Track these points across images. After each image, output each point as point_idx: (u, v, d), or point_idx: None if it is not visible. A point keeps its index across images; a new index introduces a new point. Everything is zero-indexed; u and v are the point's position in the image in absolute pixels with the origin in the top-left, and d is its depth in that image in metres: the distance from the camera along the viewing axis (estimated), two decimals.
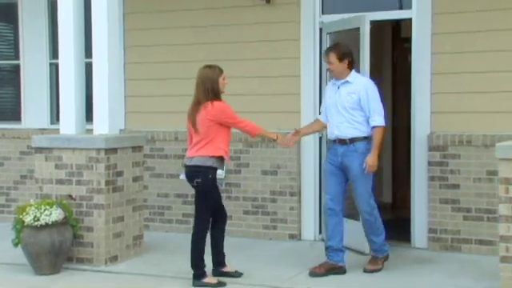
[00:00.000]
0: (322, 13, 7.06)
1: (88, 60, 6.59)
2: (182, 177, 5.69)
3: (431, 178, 6.59)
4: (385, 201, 8.45)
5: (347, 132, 5.69)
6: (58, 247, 5.93)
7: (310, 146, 7.10)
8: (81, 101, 6.53)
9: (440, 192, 6.56)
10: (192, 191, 7.40)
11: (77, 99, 6.48)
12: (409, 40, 6.85)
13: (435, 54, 6.57)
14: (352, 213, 6.29)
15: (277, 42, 7.17)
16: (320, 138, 7.00)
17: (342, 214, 5.85)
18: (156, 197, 7.74)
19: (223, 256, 5.78)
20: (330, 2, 7.07)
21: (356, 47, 6.36)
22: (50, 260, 5.95)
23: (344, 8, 6.96)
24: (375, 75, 6.77)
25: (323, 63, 6.55)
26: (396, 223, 7.08)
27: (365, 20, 6.39)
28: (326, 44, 6.71)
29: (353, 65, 5.79)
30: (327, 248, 5.86)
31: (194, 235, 5.58)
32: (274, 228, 7.24)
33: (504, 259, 4.95)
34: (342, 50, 5.77)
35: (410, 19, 6.70)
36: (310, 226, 7.15)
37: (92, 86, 6.43)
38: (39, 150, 6.36)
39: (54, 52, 7.98)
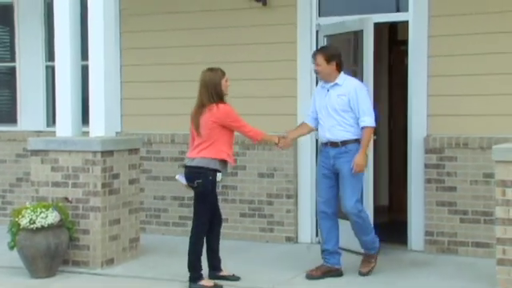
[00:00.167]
0: (319, 15, 7.07)
1: (84, 62, 6.58)
2: (179, 178, 5.65)
3: (428, 181, 6.59)
4: (381, 203, 8.44)
5: (339, 135, 5.69)
6: (53, 250, 5.92)
7: (306, 149, 7.10)
8: (77, 103, 6.53)
9: (437, 194, 6.56)
10: (188, 194, 7.42)
11: (73, 101, 6.48)
12: (405, 42, 6.85)
13: (432, 56, 6.58)
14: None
15: (273, 45, 7.17)
16: (317, 141, 6.99)
17: (336, 217, 5.84)
18: (152, 199, 7.73)
19: (219, 260, 5.77)
20: (327, 4, 7.08)
21: (353, 50, 6.38)
22: (46, 263, 5.93)
23: (341, 11, 6.98)
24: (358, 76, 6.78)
25: None
26: (392, 226, 7.09)
27: (369, 22, 6.40)
28: None
29: (341, 67, 5.77)
30: (323, 251, 5.86)
31: (191, 237, 5.57)
32: (271, 231, 7.24)
33: (501, 262, 4.96)
34: (329, 52, 5.78)
35: (407, 22, 6.71)
36: (306, 229, 7.15)
37: (88, 89, 6.43)
38: (35, 152, 6.35)
39: (50, 54, 7.97)
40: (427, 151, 6.59)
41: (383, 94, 8.63)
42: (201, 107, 5.51)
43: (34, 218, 5.86)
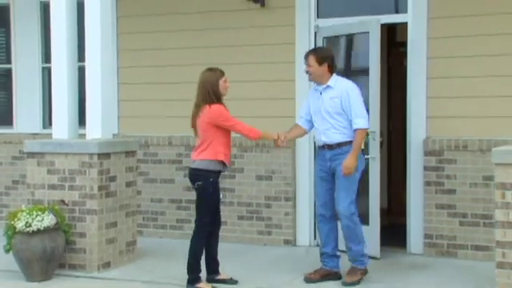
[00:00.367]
0: (318, 16, 7.08)
1: (81, 64, 6.58)
2: None
3: (427, 183, 6.60)
4: (380, 206, 8.43)
5: (333, 137, 5.67)
6: (49, 253, 5.91)
7: (304, 151, 7.11)
8: (73, 105, 6.53)
9: (436, 197, 6.57)
10: (186, 196, 7.45)
11: (69, 103, 6.48)
12: (404, 44, 6.86)
13: (431, 58, 6.59)
14: (360, 218, 6.33)
15: (272, 46, 7.18)
16: (315, 143, 6.99)
17: (334, 220, 5.82)
18: (150, 202, 7.73)
19: (217, 264, 5.77)
20: (326, 5, 7.08)
21: (351, 52, 6.38)
22: (42, 266, 5.92)
23: (339, 12, 6.99)
24: (365, 79, 6.79)
25: None
26: (391, 229, 7.09)
27: (375, 24, 6.42)
28: None
29: (333, 69, 5.75)
30: (322, 254, 5.86)
31: (193, 238, 5.58)
32: (269, 233, 7.24)
33: (500, 265, 4.96)
34: (321, 54, 5.76)
35: (406, 23, 6.72)
36: (305, 232, 7.15)
37: (85, 90, 6.42)
38: (31, 154, 6.34)
39: (47, 56, 7.98)
40: (426, 153, 6.59)
41: (382, 95, 8.61)
42: (197, 108, 5.53)
43: (29, 221, 5.86)
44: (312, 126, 5.92)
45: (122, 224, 6.43)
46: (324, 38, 6.89)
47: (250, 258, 6.66)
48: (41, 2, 8.27)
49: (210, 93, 5.47)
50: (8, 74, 8.55)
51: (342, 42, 7.00)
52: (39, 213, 5.92)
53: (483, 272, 5.89)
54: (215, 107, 5.45)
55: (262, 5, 7.16)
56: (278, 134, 5.79)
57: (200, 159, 5.52)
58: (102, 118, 6.36)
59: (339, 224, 5.81)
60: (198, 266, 5.56)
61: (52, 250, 5.92)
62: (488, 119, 6.39)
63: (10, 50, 8.49)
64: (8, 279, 6.06)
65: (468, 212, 6.44)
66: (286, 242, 7.17)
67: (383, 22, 6.74)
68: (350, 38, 6.92)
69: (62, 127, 6.46)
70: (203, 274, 5.68)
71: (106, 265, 6.23)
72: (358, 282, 5.67)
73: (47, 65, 7.86)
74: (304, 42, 7.04)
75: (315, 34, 7.02)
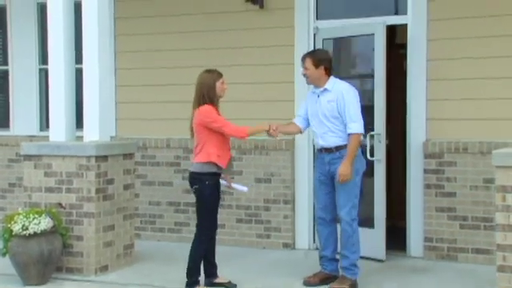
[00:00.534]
0: (317, 18, 7.08)
1: (78, 66, 6.58)
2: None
3: (427, 186, 6.60)
4: None
5: (331, 141, 5.65)
6: (46, 257, 5.90)
7: (303, 154, 7.11)
8: (71, 107, 6.52)
9: (436, 200, 6.57)
10: (184, 199, 7.45)
11: (67, 105, 6.47)
12: (404, 46, 6.87)
13: (431, 60, 6.60)
14: (366, 220, 6.32)
15: (270, 48, 7.18)
16: (314, 146, 6.99)
17: (334, 224, 5.82)
18: (147, 205, 7.72)
19: (215, 267, 5.76)
20: (325, 7, 7.09)
21: (352, 54, 6.39)
22: (39, 270, 5.92)
23: (339, 14, 7.00)
24: (370, 81, 6.80)
25: None
26: (391, 232, 7.08)
27: (380, 26, 6.44)
28: None
29: (331, 71, 5.72)
30: (321, 257, 5.86)
31: (194, 242, 5.58)
32: (268, 237, 7.24)
33: (501, 268, 4.96)
34: (318, 56, 5.74)
35: (406, 25, 6.73)
36: (304, 235, 7.15)
37: (82, 92, 6.43)
38: (28, 157, 6.34)
39: (44, 57, 7.98)
40: (426, 156, 6.59)
41: None
42: (194, 109, 5.54)
43: (26, 224, 5.85)
44: (307, 125, 5.90)
45: (120, 227, 6.42)
46: (324, 39, 6.89)
47: (249, 262, 6.66)
48: (38, 3, 8.27)
49: (205, 95, 5.48)
50: (5, 75, 8.55)
51: (343, 44, 7.00)
52: (36, 216, 5.92)
53: (484, 276, 5.90)
54: (203, 108, 5.46)
55: (261, 6, 7.17)
56: (270, 124, 5.71)
57: (195, 162, 5.55)
58: (99, 120, 6.36)
59: (339, 227, 5.81)
60: (198, 270, 5.56)
61: (49, 254, 5.92)
62: (488, 121, 6.39)
63: (6, 52, 8.49)
64: (4, 283, 6.05)
65: (468, 215, 6.45)
66: (285, 246, 7.17)
67: (374, 23, 6.74)
68: (351, 40, 6.93)
69: (59, 129, 6.46)
70: (201, 277, 5.67)
71: (104, 268, 6.23)
72: None
73: (44, 66, 7.86)
74: (303, 44, 7.04)
75: (314, 35, 7.03)
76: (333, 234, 5.82)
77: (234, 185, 5.85)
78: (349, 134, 5.58)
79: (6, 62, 8.51)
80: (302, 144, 7.09)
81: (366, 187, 6.58)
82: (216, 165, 5.50)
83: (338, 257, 5.85)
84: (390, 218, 8.42)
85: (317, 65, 5.66)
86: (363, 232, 6.23)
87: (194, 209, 5.68)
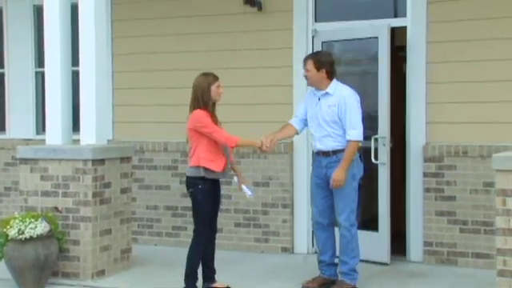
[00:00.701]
0: (315, 20, 7.09)
1: (75, 68, 6.58)
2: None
3: (427, 190, 6.60)
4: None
5: (329, 145, 5.64)
6: (43, 261, 5.90)
7: (302, 157, 7.11)
8: (67, 110, 6.52)
9: (436, 204, 6.57)
10: (182, 203, 7.45)
11: (63, 109, 6.47)
12: (403, 48, 6.87)
13: (430, 63, 6.61)
14: (370, 224, 6.32)
15: (269, 51, 7.19)
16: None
17: (332, 228, 5.81)
18: (145, 209, 7.72)
19: (213, 271, 5.75)
20: (324, 9, 7.10)
21: (353, 57, 6.38)
22: (35, 275, 5.91)
23: (338, 16, 7.01)
24: (367, 84, 6.81)
25: None
26: (391, 236, 7.07)
27: (384, 28, 6.45)
28: None
29: (333, 75, 5.69)
30: (320, 262, 5.85)
31: (190, 246, 5.58)
32: (266, 241, 7.23)
33: (501, 273, 4.96)
34: (320, 59, 5.71)
35: (405, 27, 6.73)
36: (302, 239, 7.15)
37: (79, 95, 6.42)
38: (24, 161, 6.33)
39: (40, 60, 7.98)
40: (426, 160, 6.60)
41: None
42: (189, 113, 5.54)
43: (22, 228, 5.84)
44: (304, 126, 5.88)
45: (117, 231, 6.42)
46: (323, 42, 6.89)
47: (247, 266, 6.65)
48: (34, 6, 8.28)
49: (199, 98, 5.48)
50: (1, 78, 8.55)
51: (343, 47, 7.01)
52: (32, 220, 5.91)
53: (484, 280, 5.89)
54: (195, 112, 5.46)
55: (259, 9, 7.17)
56: (262, 141, 5.61)
57: (189, 166, 5.57)
58: (96, 124, 6.35)
59: (337, 232, 5.80)
60: (195, 274, 5.55)
61: (45, 258, 5.91)
62: (488, 125, 6.40)
63: (2, 55, 8.49)
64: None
65: (468, 219, 6.45)
66: (284, 250, 7.17)
67: (377, 25, 6.74)
68: (352, 43, 6.94)
69: (56, 133, 6.45)
70: (199, 281, 5.67)
71: (101, 273, 6.22)
72: None
73: (40, 69, 7.86)
74: (302, 47, 7.05)
75: (313, 38, 7.03)
76: (331, 239, 5.81)
77: (243, 186, 5.80)
78: (347, 141, 5.57)
79: (2, 65, 8.52)
80: (300, 147, 7.09)
81: (370, 190, 6.61)
82: (206, 169, 5.48)
83: (336, 261, 5.85)
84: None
85: (318, 67, 5.64)
86: (367, 235, 6.26)
87: (192, 213, 5.67)
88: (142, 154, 7.67)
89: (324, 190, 5.74)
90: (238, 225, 7.33)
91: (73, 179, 6.14)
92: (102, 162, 6.21)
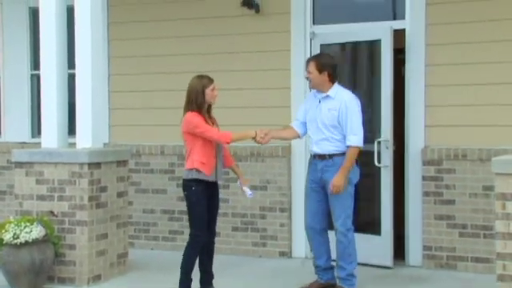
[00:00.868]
0: (313, 23, 7.10)
1: (71, 71, 6.58)
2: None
3: (426, 194, 6.61)
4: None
5: (326, 149, 5.65)
6: (38, 266, 5.89)
7: (300, 160, 7.11)
8: (63, 113, 6.52)
9: (435, 208, 6.57)
10: (179, 207, 7.44)
11: (59, 112, 6.47)
12: (402, 51, 6.88)
13: (429, 65, 6.61)
14: (372, 227, 6.32)
15: (266, 53, 7.19)
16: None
17: (325, 232, 5.80)
18: (141, 213, 7.71)
19: (211, 276, 5.75)
20: (322, 12, 7.11)
21: (353, 60, 6.38)
22: (30, 279, 5.90)
23: (336, 18, 7.01)
24: (368, 87, 6.81)
25: None
26: None
27: (387, 30, 6.46)
28: None
29: (335, 78, 5.70)
30: (316, 267, 5.85)
31: (185, 250, 5.58)
32: (264, 245, 7.23)
33: (501, 277, 4.95)
34: (322, 61, 5.71)
35: (404, 30, 6.74)
36: (301, 243, 7.14)
37: (75, 98, 6.42)
38: (19, 164, 6.33)
39: (36, 63, 7.97)
40: (425, 163, 6.60)
41: None
42: (182, 116, 5.55)
43: (17, 232, 5.84)
44: (306, 130, 5.87)
45: (113, 235, 6.41)
46: (321, 45, 6.90)
47: (245, 271, 6.65)
48: (29, 8, 8.28)
49: (193, 101, 5.49)
50: None
51: (343, 50, 7.02)
52: (27, 224, 5.90)
53: (484, 285, 5.89)
54: (187, 115, 5.49)
55: (257, 11, 7.18)
56: (256, 132, 5.62)
57: (184, 169, 5.59)
58: (92, 127, 6.35)
59: (331, 235, 5.79)
60: (189, 278, 5.54)
61: (40, 263, 5.90)
62: (488, 128, 6.40)
63: None
64: None
65: (468, 223, 6.45)
66: (282, 254, 7.17)
67: (380, 28, 6.76)
68: (353, 46, 6.95)
69: (52, 136, 6.45)
70: (197, 286, 5.66)
71: (97, 278, 6.21)
72: None
73: (36, 72, 7.85)
74: (300, 49, 7.06)
75: (311, 40, 7.04)
76: (325, 243, 5.80)
77: (244, 187, 5.80)
78: (348, 146, 5.57)
79: None
80: (298, 150, 7.09)
81: (373, 194, 6.62)
82: (199, 171, 5.48)
83: (333, 264, 5.83)
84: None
85: (320, 69, 5.64)
86: (370, 239, 6.25)
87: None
88: (139, 158, 7.66)
89: (318, 194, 5.74)
90: (235, 229, 7.32)
91: (69, 183, 6.13)
92: (98, 165, 6.21)
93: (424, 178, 6.61)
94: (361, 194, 6.68)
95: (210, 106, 5.60)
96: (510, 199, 4.90)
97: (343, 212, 5.61)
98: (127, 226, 6.71)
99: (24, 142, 8.14)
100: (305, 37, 7.08)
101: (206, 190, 5.53)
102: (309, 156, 6.94)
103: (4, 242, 5.87)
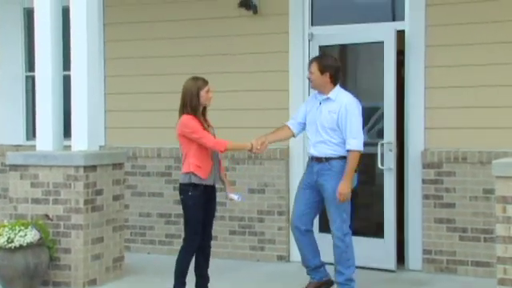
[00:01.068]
0: (312, 24, 7.11)
1: (66, 73, 6.57)
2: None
3: (425, 197, 6.61)
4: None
5: (323, 152, 5.64)
6: (32, 270, 5.88)
7: (299, 163, 7.10)
8: (58, 116, 6.51)
9: (435, 211, 6.58)
10: (175, 210, 7.43)
11: (54, 114, 6.46)
12: (401, 52, 6.89)
13: (429, 67, 6.62)
14: (375, 231, 6.34)
15: (264, 55, 7.20)
16: None
17: (310, 234, 5.78)
18: (137, 216, 7.70)
19: (207, 280, 5.74)
20: (320, 13, 7.11)
21: (354, 62, 6.38)
22: (25, 284, 5.89)
23: (335, 20, 7.02)
24: (368, 88, 6.82)
25: None
26: None
27: (390, 32, 6.48)
28: None
29: (336, 80, 5.70)
30: (306, 268, 5.87)
31: (179, 253, 5.58)
32: (262, 249, 7.23)
33: (502, 282, 4.96)
34: (324, 62, 5.71)
35: (403, 31, 6.75)
36: None
37: (70, 100, 6.42)
38: (14, 167, 6.32)
39: (30, 64, 7.97)
40: (425, 166, 6.61)
41: None
42: (178, 119, 5.54)
43: (12, 236, 5.83)
44: (302, 129, 5.88)
45: (109, 239, 6.40)
46: (320, 46, 6.90)
47: (243, 275, 6.65)
48: (24, 9, 8.27)
49: (187, 104, 5.48)
50: None
51: (343, 51, 7.02)
52: (22, 228, 5.90)
53: None
54: (182, 118, 5.47)
55: (255, 12, 7.18)
56: (252, 143, 5.63)
57: (181, 173, 5.58)
58: (88, 129, 6.35)
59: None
60: (182, 282, 5.53)
61: (35, 267, 5.89)
62: (488, 130, 6.41)
63: None
64: None
65: (468, 226, 6.46)
66: (280, 258, 7.16)
67: (383, 29, 6.77)
68: (352, 47, 6.95)
69: (47, 138, 6.44)
70: None
71: (92, 282, 6.20)
72: None
73: (31, 73, 7.85)
74: (298, 51, 7.07)
75: (309, 42, 7.05)
76: (310, 244, 5.79)
77: (230, 195, 5.77)
78: (348, 150, 5.56)
79: None
80: (297, 153, 7.09)
81: (376, 196, 6.63)
82: (196, 175, 5.47)
83: (321, 262, 5.82)
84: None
85: (322, 70, 5.64)
86: (373, 243, 6.24)
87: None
88: (135, 161, 7.66)
89: (309, 195, 5.74)
90: (233, 232, 7.32)
91: (64, 186, 6.13)
92: (93, 168, 6.21)
93: (424, 181, 6.61)
94: (364, 197, 6.72)
95: (204, 109, 5.59)
96: (510, 202, 4.90)
97: (338, 216, 5.62)
98: (123, 229, 6.70)
99: (19, 145, 8.13)
100: (303, 38, 7.08)
101: (203, 194, 5.52)
102: (307, 158, 7.00)
103: None
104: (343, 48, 7.02)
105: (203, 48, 7.42)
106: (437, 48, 6.58)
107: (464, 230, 6.47)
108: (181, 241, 5.67)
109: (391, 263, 6.58)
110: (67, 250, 6.12)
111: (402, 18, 6.78)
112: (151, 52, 7.65)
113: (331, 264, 5.79)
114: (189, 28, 7.49)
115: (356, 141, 5.55)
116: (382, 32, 6.62)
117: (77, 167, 6.10)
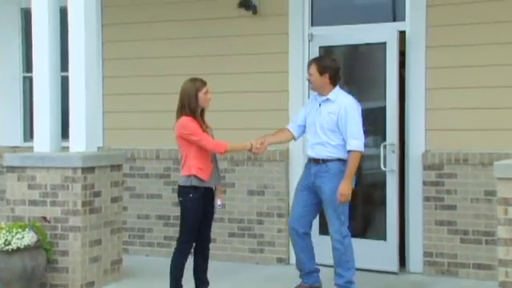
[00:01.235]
0: (312, 25, 7.11)
1: (64, 73, 6.57)
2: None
3: (426, 199, 6.61)
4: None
5: (320, 153, 5.65)
6: (30, 273, 5.88)
7: (298, 165, 7.09)
8: (56, 117, 6.52)
9: (436, 213, 6.58)
10: (174, 212, 7.43)
11: (52, 115, 6.47)
12: (402, 53, 6.89)
13: (430, 68, 6.62)
14: (378, 233, 6.33)
15: (264, 55, 7.20)
16: None
17: (308, 237, 5.79)
18: (136, 218, 7.70)
19: (206, 283, 5.73)
20: (320, 14, 7.12)
21: (354, 63, 6.37)
22: (22, 286, 5.89)
23: (334, 20, 7.02)
24: (368, 90, 6.81)
25: None
26: None
27: (393, 32, 6.48)
28: None
29: (336, 81, 5.71)
30: (299, 271, 5.86)
31: (172, 255, 5.58)
32: (261, 251, 7.23)
33: (503, 284, 4.96)
34: (324, 63, 5.73)
35: (404, 32, 6.75)
36: None
37: (68, 101, 6.42)
38: (11, 169, 6.32)
39: (28, 65, 7.96)
40: (426, 168, 6.61)
41: None
42: (175, 120, 5.53)
43: (9, 238, 5.83)
44: (302, 132, 5.89)
45: (107, 241, 6.40)
46: (320, 47, 6.90)
47: (242, 278, 6.65)
48: (21, 9, 8.28)
49: (186, 105, 5.48)
50: None
51: (343, 52, 7.02)
52: (19, 230, 5.90)
53: None
54: (181, 120, 5.47)
55: (254, 12, 7.19)
56: (252, 143, 5.65)
57: (181, 175, 5.56)
58: (86, 131, 6.35)
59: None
60: (178, 285, 5.52)
61: (32, 270, 5.89)
62: (489, 131, 6.41)
63: None
64: None
65: (469, 229, 6.46)
66: (279, 261, 7.16)
67: (385, 30, 6.77)
68: (353, 48, 6.95)
69: (44, 140, 6.44)
70: None
71: (90, 284, 6.20)
72: None
73: (29, 74, 7.85)
74: (298, 51, 7.07)
75: (309, 42, 7.05)
76: (307, 247, 5.79)
77: (216, 199, 5.73)
78: (349, 151, 5.57)
79: None
80: (296, 155, 7.09)
81: (378, 198, 6.63)
82: (197, 178, 5.47)
83: (316, 267, 5.83)
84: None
85: (321, 72, 5.66)
86: (375, 245, 6.24)
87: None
88: (133, 162, 7.66)
89: (306, 197, 5.75)
90: (232, 235, 7.32)
91: (61, 188, 6.13)
92: (91, 170, 6.20)
93: (425, 183, 6.61)
94: (366, 199, 6.72)
95: (202, 110, 5.59)
96: None
97: (337, 219, 5.62)
98: (121, 231, 6.70)
99: (16, 146, 8.13)
100: (303, 39, 7.09)
101: (203, 196, 5.52)
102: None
103: None
104: (343, 49, 7.02)
105: (202, 49, 7.42)
106: (438, 49, 6.58)
107: (465, 233, 6.47)
108: None
109: (394, 265, 6.59)
110: (65, 253, 6.12)
111: (403, 19, 6.78)
112: (149, 53, 7.65)
113: (331, 267, 5.79)
114: (188, 28, 7.49)
115: (357, 141, 5.56)
116: (385, 33, 6.63)
117: (74, 169, 6.10)
